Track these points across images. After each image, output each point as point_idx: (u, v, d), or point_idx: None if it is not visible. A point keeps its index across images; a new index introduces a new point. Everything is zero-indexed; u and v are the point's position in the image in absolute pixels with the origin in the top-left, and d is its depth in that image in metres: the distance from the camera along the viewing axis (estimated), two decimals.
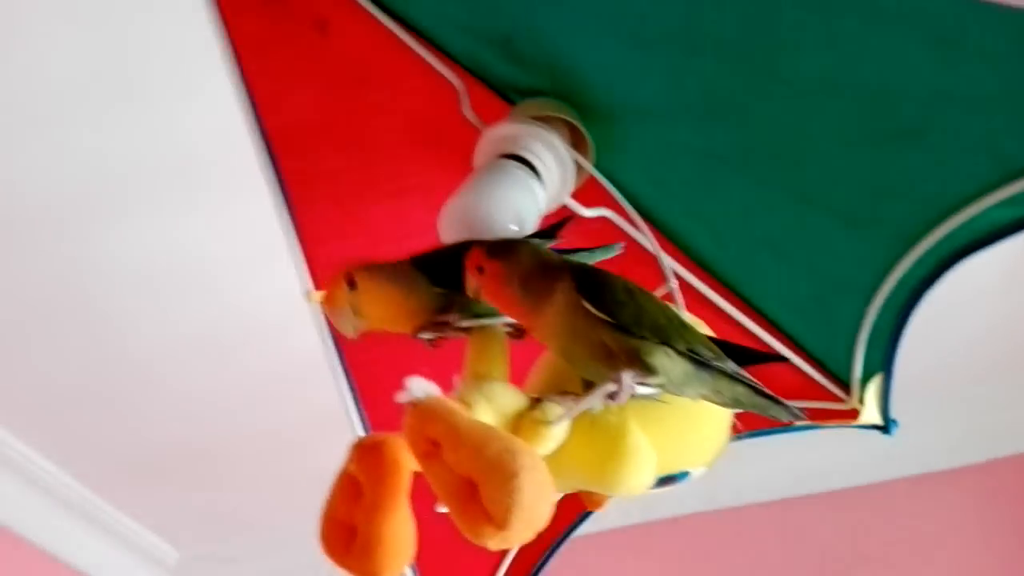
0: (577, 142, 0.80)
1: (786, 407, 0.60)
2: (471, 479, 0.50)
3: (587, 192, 0.84)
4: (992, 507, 1.78)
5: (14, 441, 1.77)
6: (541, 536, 0.99)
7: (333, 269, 0.87)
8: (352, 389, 0.93)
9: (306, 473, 1.80)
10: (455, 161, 0.84)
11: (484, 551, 1.01)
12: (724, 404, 0.60)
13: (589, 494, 0.65)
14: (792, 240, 0.79)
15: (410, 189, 0.87)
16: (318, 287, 0.87)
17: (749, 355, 0.63)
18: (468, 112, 0.80)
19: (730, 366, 0.58)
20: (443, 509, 0.68)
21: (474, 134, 0.82)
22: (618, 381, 0.54)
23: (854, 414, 0.88)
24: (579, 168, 0.80)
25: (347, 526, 0.56)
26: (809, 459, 1.84)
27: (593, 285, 0.58)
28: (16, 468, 1.80)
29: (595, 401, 0.55)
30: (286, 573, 2.14)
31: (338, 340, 0.92)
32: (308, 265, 0.88)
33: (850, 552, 1.80)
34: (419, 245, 0.89)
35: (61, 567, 1.93)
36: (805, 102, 0.66)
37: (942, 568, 1.75)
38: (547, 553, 0.99)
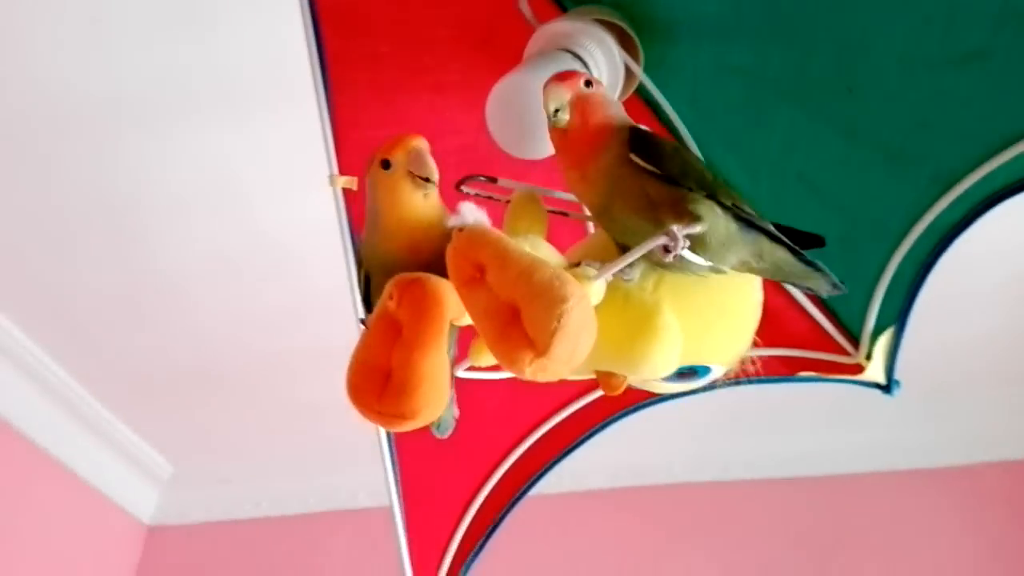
0: (628, 53, 0.80)
1: (827, 276, 0.60)
2: (514, 305, 0.49)
3: (625, 109, 0.84)
4: (971, 510, 1.81)
5: (27, 341, 1.77)
6: (530, 460, 0.98)
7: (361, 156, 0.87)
8: None
9: (308, 405, 1.82)
10: (501, 62, 0.83)
11: (469, 469, 1.01)
12: (764, 272, 0.60)
13: (609, 377, 0.64)
14: (829, 176, 0.79)
15: (451, 85, 0.86)
16: (343, 172, 0.86)
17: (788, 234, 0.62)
18: (525, 7, 0.80)
19: (771, 228, 0.58)
20: (462, 373, 0.67)
21: (524, 37, 0.81)
22: (670, 234, 0.53)
23: (858, 369, 0.88)
24: (626, 80, 0.80)
25: (381, 369, 0.53)
26: (798, 443, 1.87)
27: (642, 140, 0.58)
28: (25, 367, 1.80)
29: (644, 252, 0.54)
30: (275, 499, 2.18)
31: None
32: (337, 149, 0.86)
33: (828, 536, 1.84)
34: (452, 143, 0.90)
35: (56, 466, 1.93)
36: (871, 17, 0.67)
37: (916, 561, 1.78)
38: (532, 479, 0.98)
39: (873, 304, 0.84)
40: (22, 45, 1.28)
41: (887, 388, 0.90)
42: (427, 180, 0.58)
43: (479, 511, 1.01)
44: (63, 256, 1.59)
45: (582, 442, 0.95)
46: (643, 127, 0.61)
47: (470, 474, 1.01)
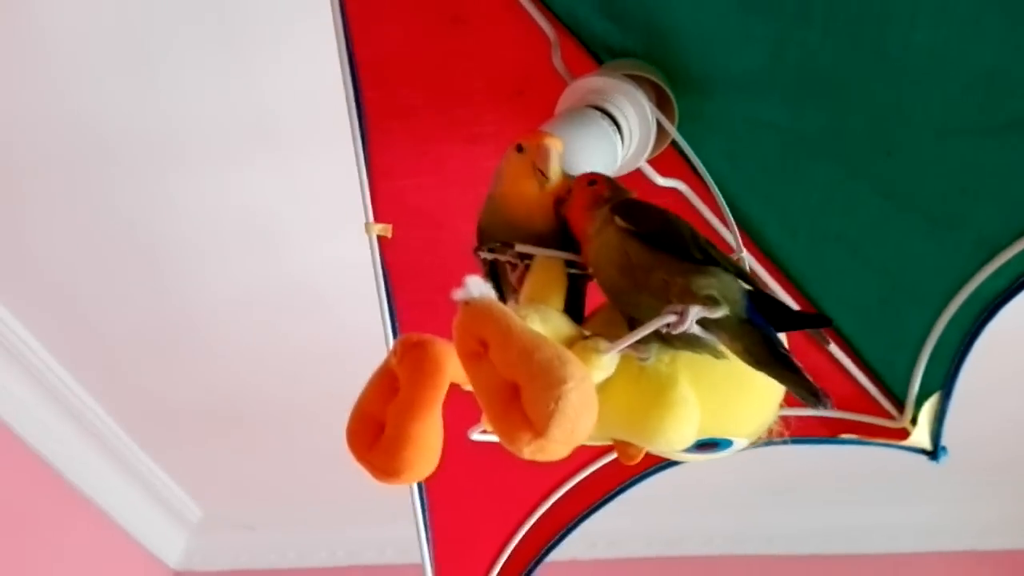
0: (662, 107, 0.79)
1: (806, 382, 0.52)
2: (515, 383, 0.49)
3: (661, 163, 0.83)
4: None
5: (63, 373, 1.81)
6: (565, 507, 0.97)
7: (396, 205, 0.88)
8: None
9: (339, 453, 1.79)
10: (534, 115, 0.83)
11: (502, 520, 1.00)
12: (737, 353, 0.55)
13: (625, 447, 0.63)
14: (869, 238, 0.76)
15: (485, 136, 0.86)
16: (377, 220, 0.87)
17: (790, 316, 0.57)
18: (558, 63, 0.79)
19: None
20: (476, 436, 0.67)
21: (558, 90, 0.81)
22: (678, 312, 0.52)
23: (903, 434, 0.85)
24: (659, 134, 0.79)
25: (376, 422, 0.54)
26: (843, 519, 1.80)
27: (627, 204, 0.60)
28: (61, 400, 1.83)
29: (651, 329, 0.53)
30: (301, 550, 2.16)
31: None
32: (372, 197, 0.87)
33: None
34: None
35: (86, 503, 1.95)
36: (909, 84, 0.64)
37: None
38: (567, 528, 0.96)
39: (917, 369, 0.81)
40: (64, 81, 1.32)
41: (933, 455, 0.86)
42: (543, 174, 0.65)
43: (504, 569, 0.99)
44: (101, 290, 1.62)
45: (605, 502, 0.93)
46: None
47: (496, 532, 1.00)
